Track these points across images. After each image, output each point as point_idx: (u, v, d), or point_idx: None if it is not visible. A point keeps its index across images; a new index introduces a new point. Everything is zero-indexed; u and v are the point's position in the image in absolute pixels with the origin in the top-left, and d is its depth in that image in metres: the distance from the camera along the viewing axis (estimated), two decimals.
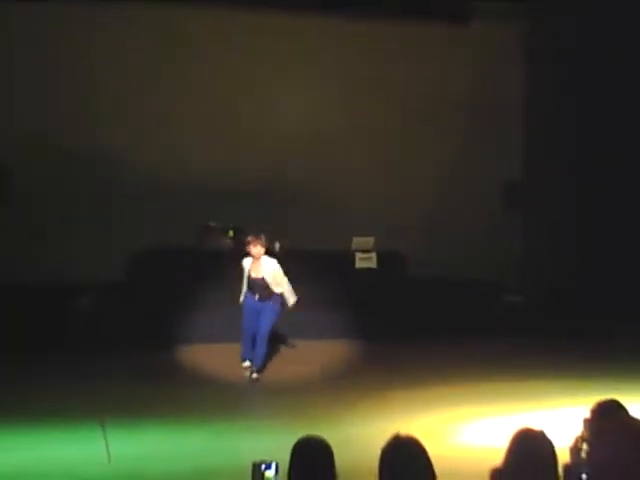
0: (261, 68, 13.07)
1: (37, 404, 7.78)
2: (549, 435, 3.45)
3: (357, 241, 11.96)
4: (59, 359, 9.70)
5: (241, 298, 9.39)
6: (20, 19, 11.97)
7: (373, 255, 11.96)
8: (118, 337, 10.23)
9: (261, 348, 9.23)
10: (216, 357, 9.69)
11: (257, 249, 9.15)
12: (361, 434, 6.53)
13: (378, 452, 3.26)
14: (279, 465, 3.44)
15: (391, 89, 13.57)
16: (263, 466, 3.45)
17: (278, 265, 9.30)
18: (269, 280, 9.22)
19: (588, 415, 4.08)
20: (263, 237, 9.21)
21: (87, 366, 9.41)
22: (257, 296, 9.26)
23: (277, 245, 11.70)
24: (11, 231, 11.52)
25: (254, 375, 9.20)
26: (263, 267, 9.22)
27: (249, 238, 9.26)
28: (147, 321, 10.57)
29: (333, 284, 11.41)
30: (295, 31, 13.07)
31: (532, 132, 14.08)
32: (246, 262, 9.32)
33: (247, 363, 9.31)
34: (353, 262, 11.91)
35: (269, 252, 9.52)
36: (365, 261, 11.93)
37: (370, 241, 11.98)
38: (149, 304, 10.90)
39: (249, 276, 9.28)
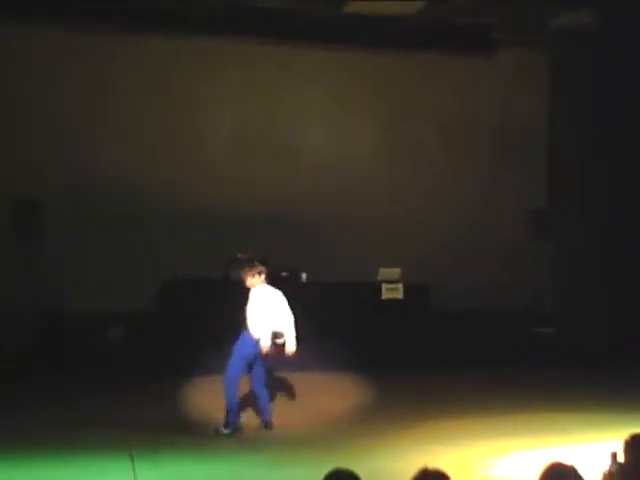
0: (283, 100, 13.23)
1: (64, 433, 7.81)
2: (580, 470, 3.43)
3: (383, 272, 11.99)
4: (87, 387, 9.82)
5: (265, 343, 7.99)
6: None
7: (399, 286, 11.98)
8: (146, 367, 10.32)
9: (266, 397, 8.25)
10: (243, 387, 9.67)
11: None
12: (390, 467, 6.48)
13: None
14: None
15: (416, 120, 13.66)
16: None
17: None
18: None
19: (617, 449, 4.05)
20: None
21: (115, 395, 9.52)
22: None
23: (304, 276, 11.77)
24: (42, 263, 11.68)
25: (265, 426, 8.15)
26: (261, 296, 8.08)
27: (251, 269, 8.02)
28: (175, 351, 10.65)
29: (359, 315, 11.44)
30: (319, 63, 13.24)
31: (558, 159, 14.06)
32: (260, 293, 8.09)
33: (227, 431, 7.93)
34: (380, 293, 11.93)
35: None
36: (392, 292, 11.94)
37: (396, 272, 12.00)
38: (177, 334, 10.98)
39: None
